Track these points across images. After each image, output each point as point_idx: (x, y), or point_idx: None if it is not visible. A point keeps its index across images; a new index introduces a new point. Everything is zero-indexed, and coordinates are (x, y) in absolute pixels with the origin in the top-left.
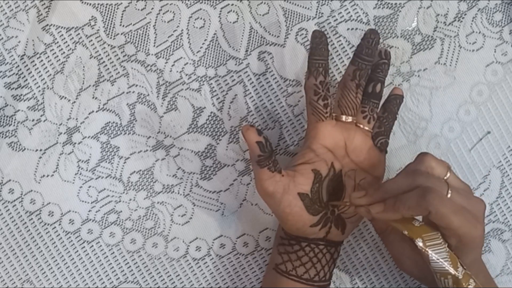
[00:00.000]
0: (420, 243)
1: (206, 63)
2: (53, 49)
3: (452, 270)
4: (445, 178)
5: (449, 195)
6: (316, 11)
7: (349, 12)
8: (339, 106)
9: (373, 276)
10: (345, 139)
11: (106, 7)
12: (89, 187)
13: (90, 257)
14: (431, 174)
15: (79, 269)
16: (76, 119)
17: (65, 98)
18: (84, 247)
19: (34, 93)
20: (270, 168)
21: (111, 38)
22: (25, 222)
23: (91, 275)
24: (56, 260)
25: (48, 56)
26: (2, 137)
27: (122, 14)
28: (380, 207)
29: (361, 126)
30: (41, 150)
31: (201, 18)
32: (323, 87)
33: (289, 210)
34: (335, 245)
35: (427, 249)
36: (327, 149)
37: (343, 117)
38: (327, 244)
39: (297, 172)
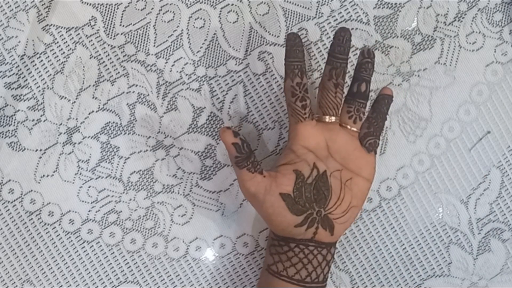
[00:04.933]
0: None
1: (206, 63)
2: (53, 49)
3: None
4: None
5: None
6: (316, 11)
7: (349, 12)
8: (320, 107)
9: (373, 276)
10: (326, 139)
11: (106, 7)
12: (89, 187)
13: (90, 257)
14: None
15: (79, 269)
16: (76, 119)
17: (65, 98)
18: (84, 247)
19: (34, 93)
20: (250, 169)
21: (111, 38)
22: (25, 222)
23: (91, 275)
24: (56, 260)
25: (48, 56)
26: (2, 137)
27: (122, 14)
28: None
29: (348, 126)
30: (41, 150)
31: (201, 18)
32: (301, 88)
33: (272, 210)
34: (326, 246)
35: None
36: (308, 149)
37: (326, 118)
38: (317, 245)
39: (279, 172)
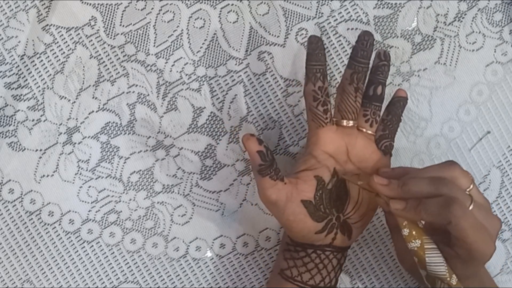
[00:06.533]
0: (415, 244)
1: (206, 63)
2: (53, 49)
3: (448, 276)
4: (468, 190)
5: (470, 208)
6: (316, 11)
7: (349, 12)
8: (339, 111)
9: (373, 276)
10: (346, 144)
11: (106, 7)
12: (89, 187)
13: (90, 257)
14: (458, 185)
15: (79, 269)
16: (76, 119)
17: (65, 98)
18: (84, 247)
19: (34, 93)
20: (272, 176)
21: (111, 38)
22: (25, 222)
23: (91, 275)
24: (56, 260)
25: (48, 56)
26: (2, 137)
27: (122, 14)
28: (402, 205)
29: (364, 130)
30: (41, 150)
31: (201, 18)
32: (322, 93)
33: (293, 217)
34: (341, 250)
35: (424, 253)
36: (329, 155)
37: (344, 122)
38: (333, 250)
39: (300, 179)
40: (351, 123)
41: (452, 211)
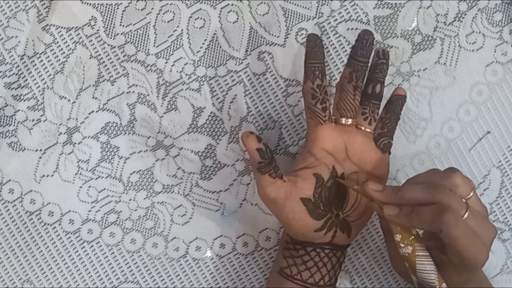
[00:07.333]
0: (407, 250)
1: (206, 63)
2: (53, 49)
3: (438, 284)
4: (467, 197)
5: (464, 217)
6: (316, 11)
7: (349, 12)
8: (338, 109)
9: (373, 276)
10: (345, 142)
11: (106, 7)
12: (89, 187)
13: (90, 257)
14: (453, 193)
15: (79, 269)
16: (76, 119)
17: (65, 98)
18: (84, 247)
19: (34, 93)
20: (271, 174)
21: (111, 38)
22: (25, 222)
23: (91, 275)
24: (56, 260)
25: (48, 56)
26: (2, 137)
27: (122, 14)
28: (395, 211)
29: (363, 128)
30: (41, 150)
31: (201, 18)
32: (321, 91)
33: (292, 215)
34: (341, 248)
35: (415, 259)
36: (327, 152)
37: (343, 120)
38: (333, 248)
39: (299, 177)
40: (349, 121)
41: (444, 219)
